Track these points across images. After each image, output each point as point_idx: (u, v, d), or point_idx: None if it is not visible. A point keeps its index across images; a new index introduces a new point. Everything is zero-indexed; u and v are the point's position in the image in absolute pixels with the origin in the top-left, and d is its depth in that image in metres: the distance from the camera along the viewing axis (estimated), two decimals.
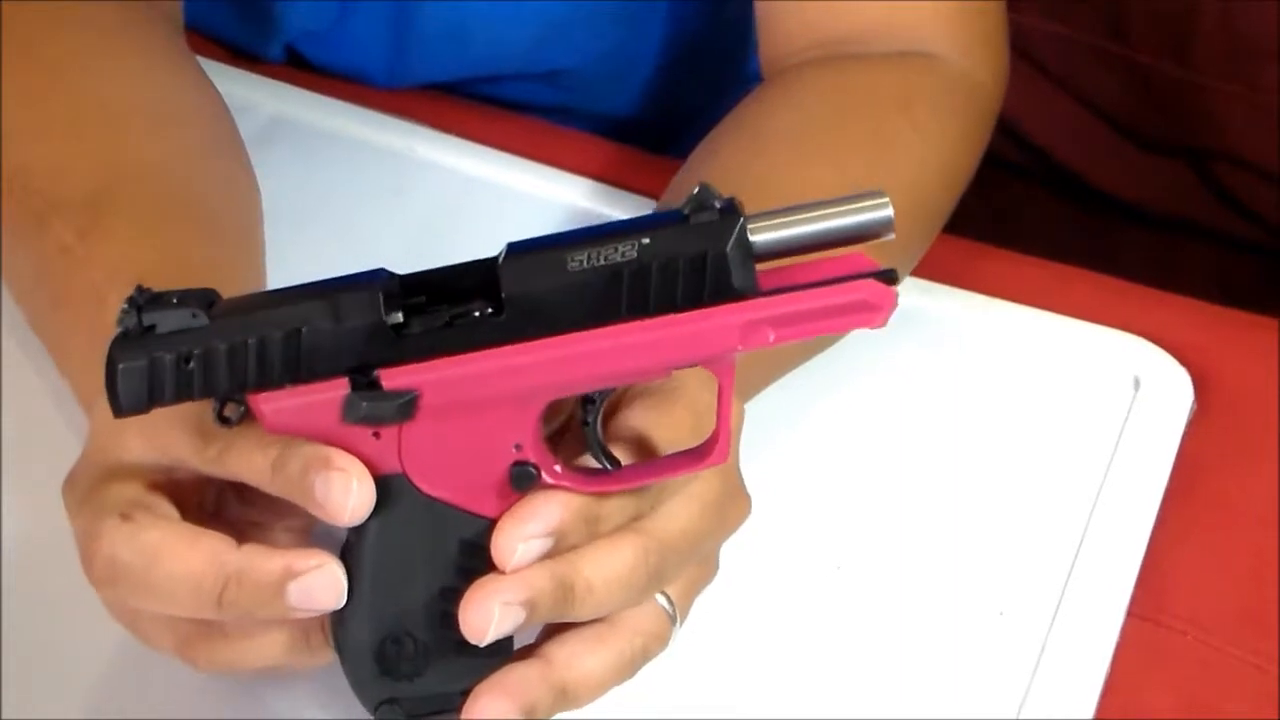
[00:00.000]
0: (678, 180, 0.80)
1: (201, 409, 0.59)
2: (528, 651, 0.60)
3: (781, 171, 0.77)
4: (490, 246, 0.58)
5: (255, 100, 0.93)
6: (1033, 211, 1.28)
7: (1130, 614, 0.73)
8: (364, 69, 0.98)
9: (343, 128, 0.93)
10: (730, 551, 0.65)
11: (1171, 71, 1.20)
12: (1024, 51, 1.18)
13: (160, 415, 0.59)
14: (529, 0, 0.95)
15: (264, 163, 0.81)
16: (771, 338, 0.57)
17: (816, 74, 0.83)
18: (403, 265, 0.59)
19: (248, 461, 0.59)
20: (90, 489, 0.61)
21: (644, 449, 0.60)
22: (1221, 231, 1.24)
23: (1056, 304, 0.84)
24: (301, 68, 1.00)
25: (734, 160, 0.79)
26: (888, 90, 0.82)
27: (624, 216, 0.86)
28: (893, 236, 0.57)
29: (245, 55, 0.99)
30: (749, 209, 0.57)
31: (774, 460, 0.75)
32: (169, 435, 0.61)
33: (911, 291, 0.83)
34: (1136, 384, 0.80)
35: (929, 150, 0.81)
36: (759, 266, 0.57)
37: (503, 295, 0.57)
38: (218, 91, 0.82)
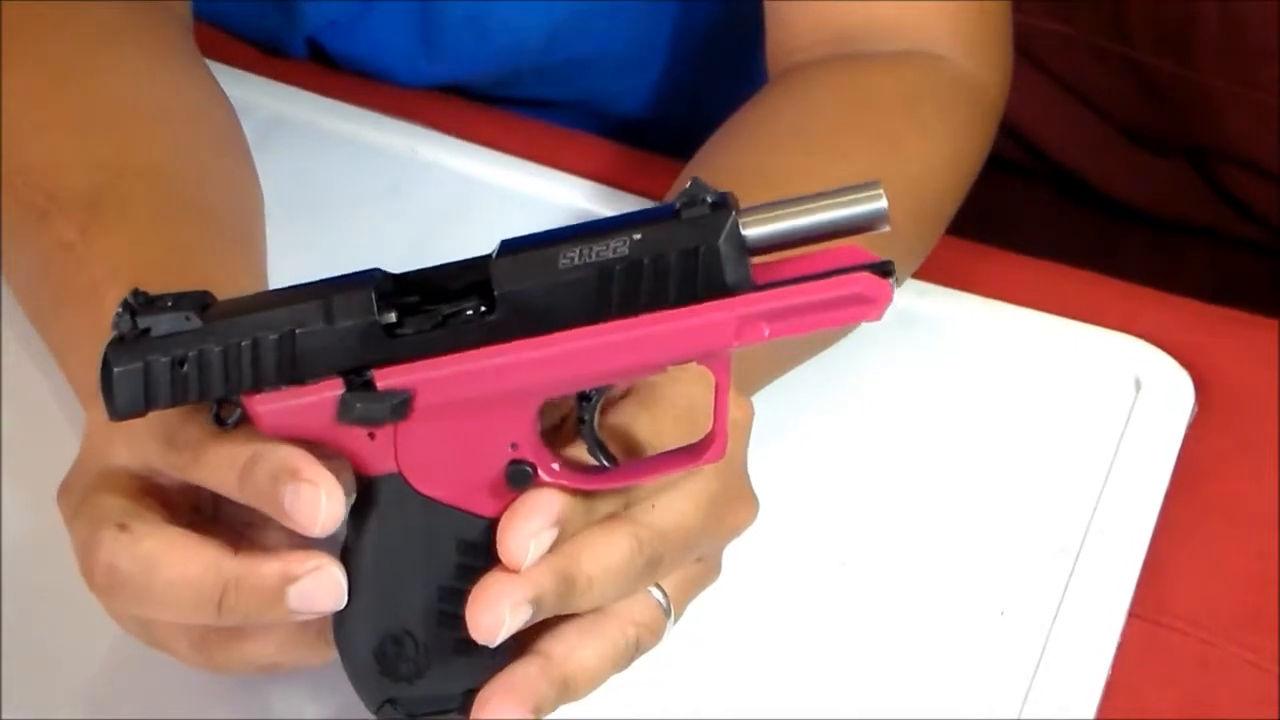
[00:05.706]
0: (681, 179, 0.80)
1: (173, 417, 0.59)
2: (522, 648, 0.60)
3: (785, 167, 0.77)
4: (490, 248, 0.58)
5: (256, 101, 0.93)
6: (1033, 211, 1.28)
7: (1131, 614, 0.73)
8: (387, 62, 0.97)
9: (343, 128, 0.93)
10: (733, 551, 0.65)
11: (1172, 71, 1.20)
12: (1026, 51, 1.18)
13: (137, 423, 0.58)
14: None
15: (264, 163, 0.81)
16: (767, 332, 0.56)
17: (822, 73, 0.83)
18: (403, 266, 0.59)
19: (214, 471, 0.59)
20: (84, 496, 0.61)
21: (629, 446, 0.60)
22: (1222, 232, 1.24)
23: (1057, 305, 0.84)
24: (324, 62, 0.99)
25: (737, 157, 0.79)
26: (893, 90, 0.82)
27: None
28: (888, 228, 0.56)
29: (268, 49, 0.98)
30: (751, 202, 0.57)
31: (776, 460, 0.75)
32: (143, 443, 0.61)
33: (912, 293, 0.83)
34: (1137, 385, 0.80)
35: (934, 150, 0.81)
36: (754, 260, 0.56)
37: (495, 294, 0.56)
38: (223, 91, 0.82)
